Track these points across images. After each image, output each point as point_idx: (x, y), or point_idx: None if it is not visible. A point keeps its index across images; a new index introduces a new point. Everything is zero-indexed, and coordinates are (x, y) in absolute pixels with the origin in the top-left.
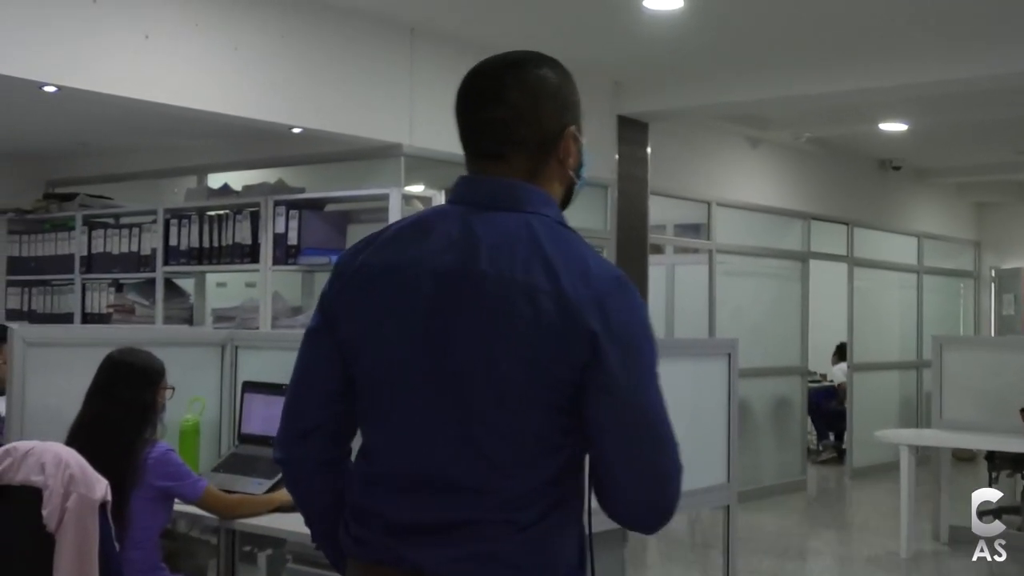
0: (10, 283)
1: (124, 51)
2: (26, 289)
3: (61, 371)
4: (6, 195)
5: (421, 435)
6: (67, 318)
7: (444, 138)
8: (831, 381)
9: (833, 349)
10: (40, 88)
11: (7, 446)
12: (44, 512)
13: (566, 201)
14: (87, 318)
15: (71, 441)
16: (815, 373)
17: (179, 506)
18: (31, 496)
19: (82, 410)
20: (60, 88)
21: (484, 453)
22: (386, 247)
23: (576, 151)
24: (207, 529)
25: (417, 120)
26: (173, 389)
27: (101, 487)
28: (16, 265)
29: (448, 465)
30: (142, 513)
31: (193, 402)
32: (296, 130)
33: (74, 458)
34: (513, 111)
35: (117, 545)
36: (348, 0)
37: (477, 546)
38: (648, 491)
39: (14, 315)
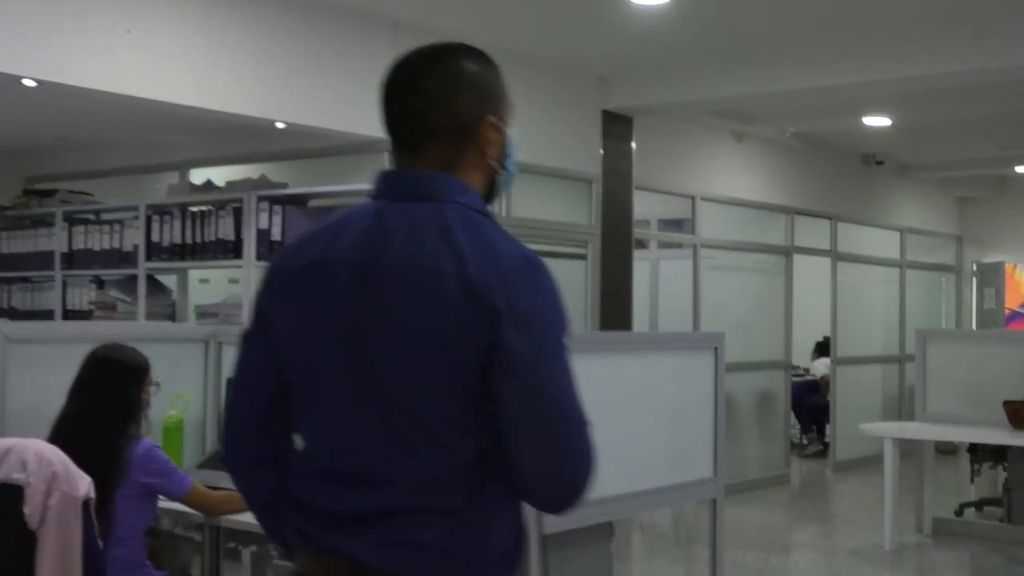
0: None
1: (105, 45)
2: (6, 286)
3: (43, 368)
4: None
5: (347, 429)
6: (48, 315)
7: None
8: (813, 375)
9: (816, 340)
10: (19, 82)
11: None
12: (26, 510)
13: (491, 192)
14: (68, 315)
15: (54, 438)
16: (798, 367)
17: (163, 503)
18: (12, 494)
19: (65, 407)
20: (40, 82)
21: (404, 441)
22: (308, 247)
23: (498, 141)
24: (191, 526)
25: None
26: (158, 385)
27: (84, 484)
28: None
29: (373, 456)
30: (127, 510)
31: (177, 399)
32: (279, 125)
33: (56, 455)
34: (427, 100)
35: (101, 543)
36: None
37: (406, 534)
38: (551, 470)
39: None
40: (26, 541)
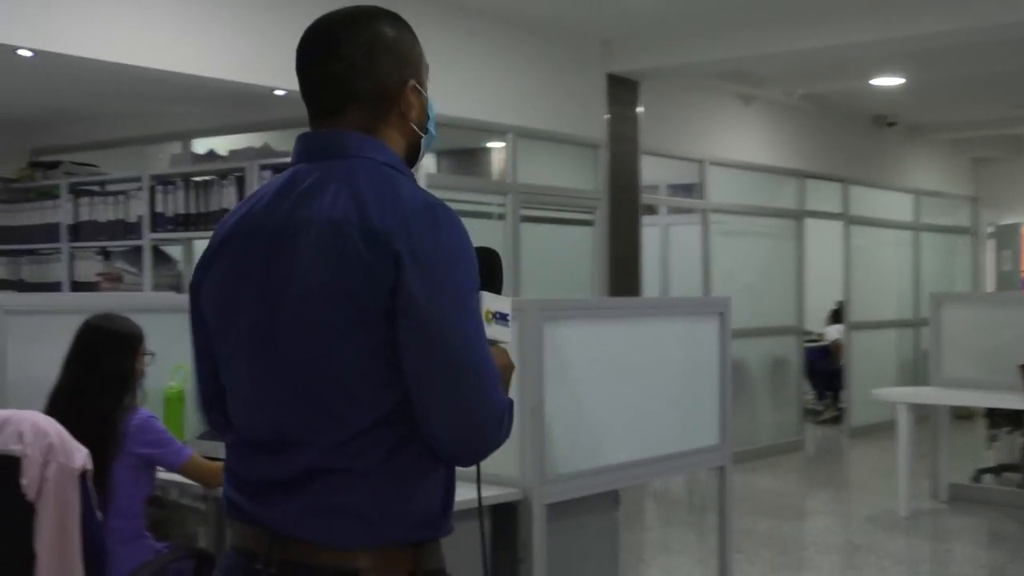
0: None
1: (101, 14)
2: (14, 258)
3: (42, 339)
4: None
5: (263, 393)
6: (55, 287)
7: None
8: (826, 340)
9: (829, 308)
10: (15, 52)
11: None
12: (23, 481)
13: (414, 156)
14: (75, 287)
15: (50, 410)
16: (811, 332)
17: (168, 474)
18: (9, 465)
19: (60, 378)
20: (36, 52)
21: (316, 400)
22: (230, 218)
23: (419, 104)
24: (197, 497)
25: None
26: (153, 354)
27: (81, 456)
28: (3, 234)
29: (287, 418)
30: (124, 481)
31: (177, 370)
32: (279, 92)
33: (53, 427)
34: (347, 65)
35: (99, 514)
36: None
37: (319, 499)
38: (451, 421)
39: (3, 284)
40: (24, 512)
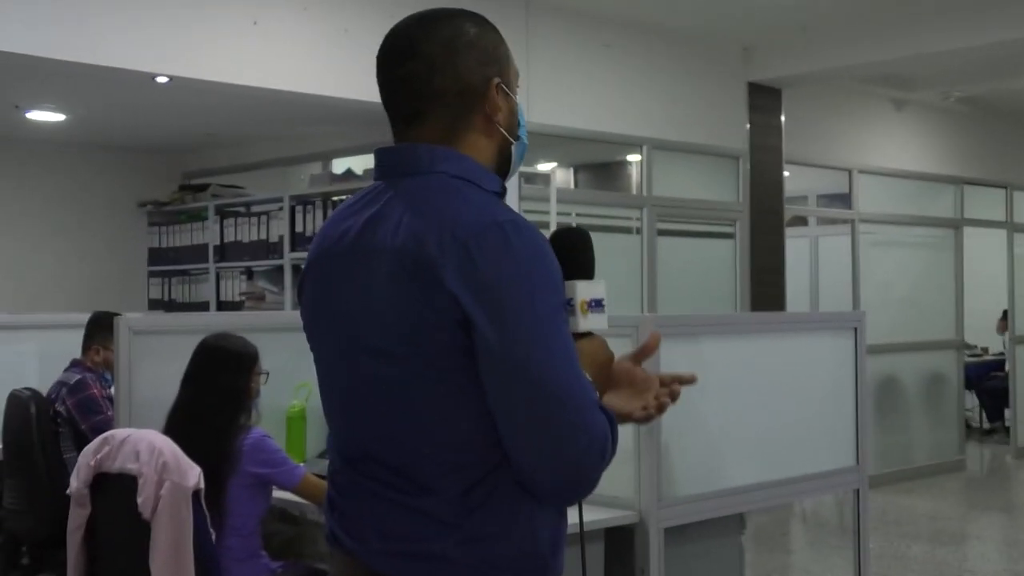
0: (151, 273)
1: (233, 39)
2: (166, 279)
3: (167, 358)
4: (145, 188)
5: (349, 426)
6: (204, 306)
7: (562, 113)
8: (997, 353)
9: (996, 319)
10: (153, 79)
11: (105, 434)
12: (139, 500)
13: (504, 164)
14: (222, 305)
15: (168, 428)
16: (975, 346)
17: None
18: (128, 484)
19: (177, 397)
20: (171, 78)
21: (400, 440)
22: (318, 237)
23: (508, 107)
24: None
25: (534, 95)
26: (267, 374)
27: (194, 475)
28: (156, 256)
29: (375, 453)
30: (239, 500)
31: (300, 388)
32: None
33: (168, 446)
34: (427, 62)
35: (213, 533)
36: None
37: (406, 541)
38: (547, 458)
39: (156, 304)
40: (140, 530)
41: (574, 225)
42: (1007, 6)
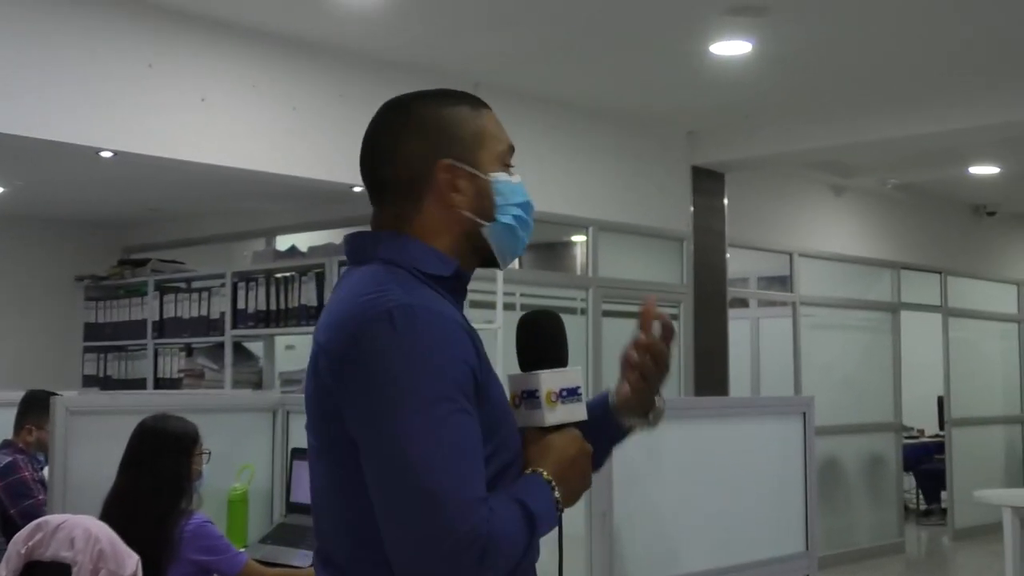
0: (87, 349)
1: (180, 114)
2: (102, 355)
3: (105, 440)
4: (83, 262)
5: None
6: (141, 383)
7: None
8: (933, 435)
9: (932, 403)
10: (97, 153)
11: (39, 520)
12: None
13: (478, 248)
14: (159, 383)
15: (105, 514)
16: (912, 428)
17: None
18: (61, 572)
19: (115, 482)
20: (116, 153)
21: (318, 521)
22: None
23: (475, 187)
24: None
25: None
26: (209, 453)
27: (131, 563)
28: (93, 331)
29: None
30: None
31: (243, 470)
32: (357, 189)
33: (105, 533)
34: (373, 152)
35: None
36: (408, 56)
37: None
38: (407, 555)
39: (91, 381)
40: None
41: (530, 308)
42: (941, 99)
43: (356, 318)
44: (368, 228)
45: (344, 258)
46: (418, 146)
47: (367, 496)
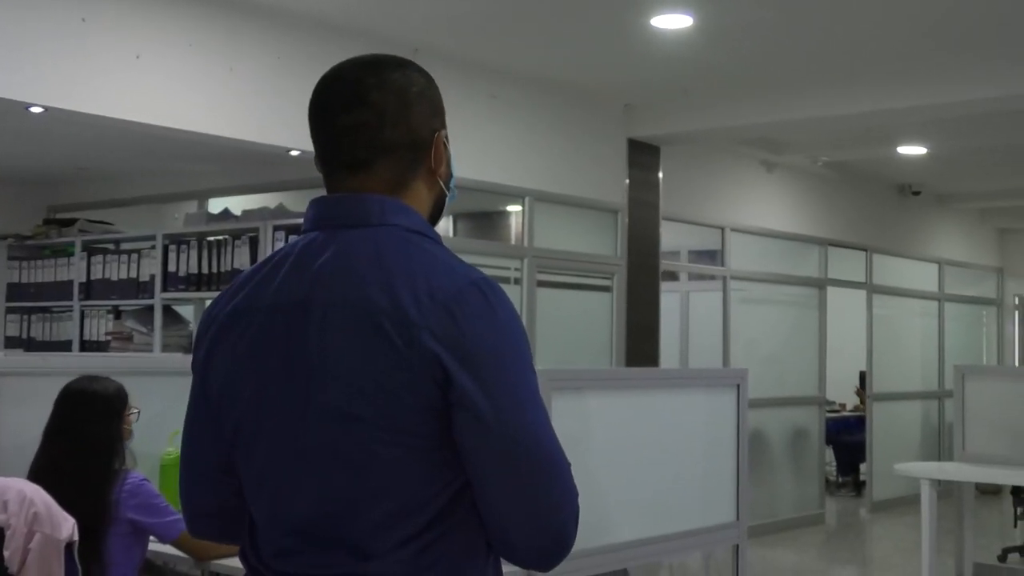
0: (9, 310)
1: (114, 71)
2: (25, 316)
3: (35, 402)
4: (6, 221)
5: (293, 494)
6: (66, 345)
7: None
8: (853, 409)
9: (853, 377)
10: (26, 109)
11: None
12: (6, 552)
13: (436, 215)
14: (85, 345)
15: (35, 480)
16: (834, 403)
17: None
18: None
19: (43, 449)
20: (47, 109)
21: (344, 499)
22: (238, 291)
23: (446, 159)
24: (193, 565)
25: None
26: (139, 411)
27: (67, 526)
28: (16, 291)
29: (322, 521)
30: (115, 549)
31: (175, 435)
32: (294, 153)
33: (39, 495)
34: (378, 112)
35: None
36: (348, 19)
37: None
38: (533, 525)
39: (13, 342)
40: None
41: None
42: (873, 79)
43: (449, 291)
44: (324, 192)
45: (279, 222)
46: (425, 114)
47: (428, 464)
